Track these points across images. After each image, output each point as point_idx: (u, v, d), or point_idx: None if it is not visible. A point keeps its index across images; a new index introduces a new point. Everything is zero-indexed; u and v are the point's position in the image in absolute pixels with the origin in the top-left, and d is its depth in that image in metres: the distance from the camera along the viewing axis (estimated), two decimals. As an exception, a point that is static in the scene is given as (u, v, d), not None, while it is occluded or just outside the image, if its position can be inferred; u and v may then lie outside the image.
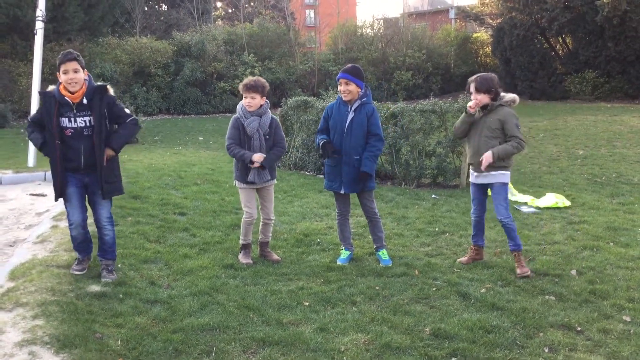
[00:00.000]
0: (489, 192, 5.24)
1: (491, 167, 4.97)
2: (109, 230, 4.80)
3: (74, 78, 4.46)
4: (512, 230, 5.04)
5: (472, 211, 5.37)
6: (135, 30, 25.10)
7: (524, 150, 4.99)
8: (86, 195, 4.76)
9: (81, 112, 4.53)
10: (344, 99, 5.17)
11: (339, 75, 5.18)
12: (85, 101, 4.53)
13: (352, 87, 5.11)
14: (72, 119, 4.53)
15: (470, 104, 5.05)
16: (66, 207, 4.74)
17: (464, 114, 5.17)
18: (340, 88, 5.16)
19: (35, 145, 4.71)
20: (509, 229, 5.04)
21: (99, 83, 4.69)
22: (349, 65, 5.24)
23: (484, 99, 5.00)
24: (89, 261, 4.91)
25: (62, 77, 4.49)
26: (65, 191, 4.65)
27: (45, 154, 4.69)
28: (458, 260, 5.33)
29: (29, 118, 4.72)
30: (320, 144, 5.21)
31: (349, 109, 5.16)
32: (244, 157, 5.17)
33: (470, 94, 5.09)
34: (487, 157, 4.89)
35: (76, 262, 4.85)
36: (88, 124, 4.55)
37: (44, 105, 4.56)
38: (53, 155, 4.57)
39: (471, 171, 5.28)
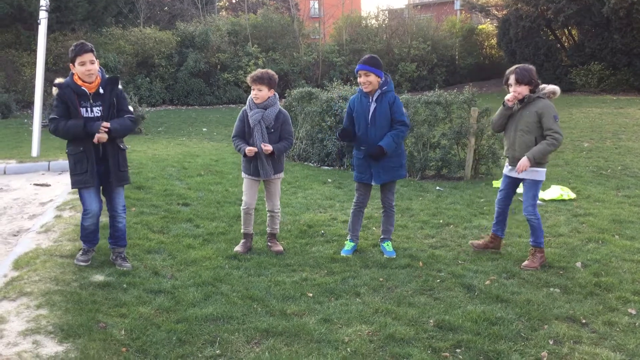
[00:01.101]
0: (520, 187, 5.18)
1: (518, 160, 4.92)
2: (122, 218, 4.86)
3: (90, 69, 4.51)
4: (536, 228, 4.98)
5: (497, 200, 5.31)
6: (139, 20, 25.05)
7: (559, 146, 4.88)
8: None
9: (97, 102, 4.59)
10: (364, 90, 5.10)
11: (357, 67, 5.10)
12: (101, 91, 4.59)
13: (372, 77, 5.03)
14: (89, 109, 4.58)
15: (508, 96, 4.93)
16: (83, 196, 4.70)
17: (501, 106, 5.07)
18: (360, 80, 5.08)
19: (77, 130, 4.47)
20: (533, 225, 4.99)
21: (111, 75, 4.73)
22: (367, 55, 5.16)
23: (524, 90, 4.88)
24: (93, 252, 4.91)
25: (78, 69, 4.51)
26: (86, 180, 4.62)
27: (87, 134, 4.50)
28: (470, 242, 5.30)
29: (51, 116, 4.56)
30: (340, 130, 5.15)
31: (371, 100, 5.09)
32: (240, 150, 5.16)
33: (509, 86, 4.96)
34: (524, 164, 4.81)
35: (81, 252, 4.84)
36: (101, 114, 4.61)
37: (65, 96, 4.52)
38: (86, 144, 4.55)
39: (506, 163, 5.21)
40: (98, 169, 4.65)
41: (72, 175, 4.70)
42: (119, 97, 4.73)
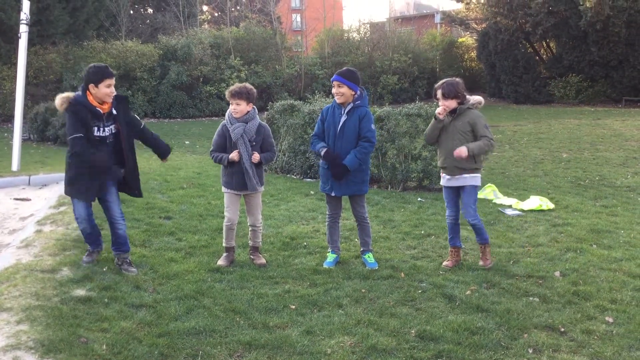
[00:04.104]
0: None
1: (463, 169, 5.10)
2: (122, 224, 5.04)
3: (113, 92, 4.77)
4: (480, 229, 5.24)
5: (447, 214, 5.43)
6: (120, 33, 24.98)
7: (493, 149, 5.19)
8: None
9: (108, 122, 4.81)
10: (337, 101, 5.16)
11: (333, 77, 5.18)
12: (114, 111, 4.81)
13: (345, 89, 5.08)
14: (101, 129, 4.78)
15: (438, 110, 5.15)
16: (73, 203, 4.97)
17: (433, 120, 5.26)
18: (334, 90, 5.15)
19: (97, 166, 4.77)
20: (479, 228, 5.24)
21: (119, 94, 4.96)
22: (344, 68, 5.23)
23: (452, 104, 5.10)
24: (99, 254, 5.16)
25: (103, 90, 4.69)
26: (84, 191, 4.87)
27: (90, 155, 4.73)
28: (443, 264, 5.35)
29: (75, 135, 4.65)
30: (322, 153, 5.17)
31: (342, 112, 5.15)
32: (222, 160, 5.18)
33: (438, 100, 5.18)
34: (461, 150, 4.98)
35: (86, 254, 5.10)
36: (112, 132, 4.83)
37: (80, 114, 4.67)
38: (89, 161, 4.73)
39: (443, 175, 5.33)
40: (99, 179, 4.85)
41: (68, 185, 4.90)
42: (129, 113, 5.01)
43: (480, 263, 5.23)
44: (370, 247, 5.44)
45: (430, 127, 5.31)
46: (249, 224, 5.41)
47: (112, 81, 4.75)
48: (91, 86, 4.69)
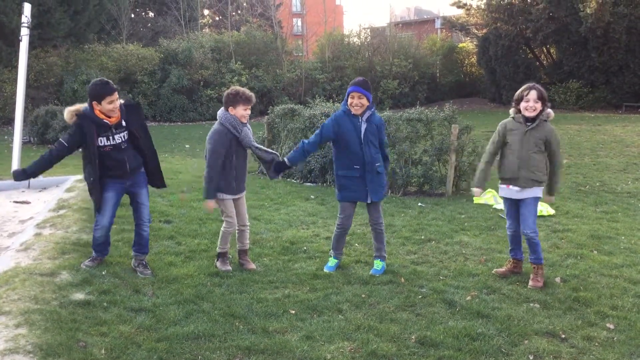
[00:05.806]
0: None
1: (536, 182, 4.96)
2: (147, 227, 5.17)
3: (117, 106, 4.80)
4: (536, 245, 4.98)
5: (507, 226, 5.24)
6: (121, 37, 25.02)
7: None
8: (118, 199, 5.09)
9: (118, 130, 4.87)
10: (354, 112, 5.08)
11: (351, 88, 5.06)
12: (123, 123, 4.87)
13: (364, 100, 5.07)
14: (111, 138, 4.84)
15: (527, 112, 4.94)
16: (99, 207, 5.01)
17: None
18: (353, 101, 5.04)
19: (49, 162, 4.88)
20: (534, 243, 4.98)
21: (130, 101, 5.01)
22: (360, 78, 5.19)
23: (539, 107, 4.87)
24: (101, 261, 5.16)
25: (105, 107, 4.74)
26: (103, 196, 4.94)
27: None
28: (494, 270, 5.23)
29: (61, 139, 4.87)
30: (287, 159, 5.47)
31: (361, 120, 5.10)
32: (209, 188, 5.06)
33: (525, 102, 4.88)
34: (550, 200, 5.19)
35: (90, 259, 5.12)
36: (125, 138, 4.91)
37: (85, 128, 4.75)
38: (94, 173, 4.84)
39: (509, 186, 5.09)
40: (125, 183, 4.97)
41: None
42: (143, 127, 5.07)
43: (530, 284, 4.91)
44: (383, 253, 5.37)
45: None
46: (238, 225, 5.34)
47: (114, 97, 4.73)
48: (94, 103, 4.75)
